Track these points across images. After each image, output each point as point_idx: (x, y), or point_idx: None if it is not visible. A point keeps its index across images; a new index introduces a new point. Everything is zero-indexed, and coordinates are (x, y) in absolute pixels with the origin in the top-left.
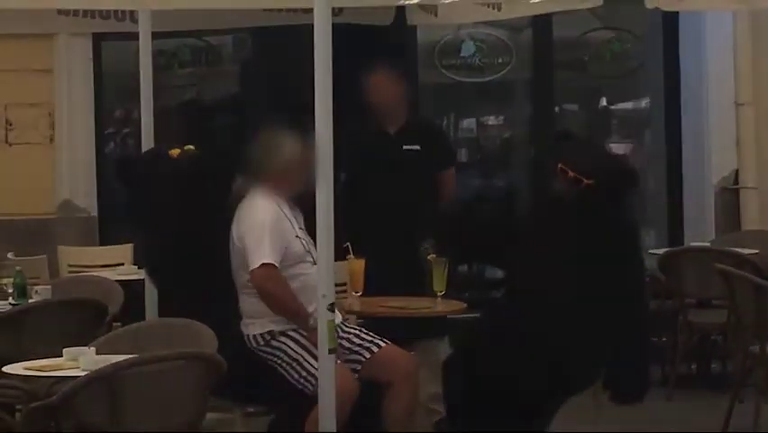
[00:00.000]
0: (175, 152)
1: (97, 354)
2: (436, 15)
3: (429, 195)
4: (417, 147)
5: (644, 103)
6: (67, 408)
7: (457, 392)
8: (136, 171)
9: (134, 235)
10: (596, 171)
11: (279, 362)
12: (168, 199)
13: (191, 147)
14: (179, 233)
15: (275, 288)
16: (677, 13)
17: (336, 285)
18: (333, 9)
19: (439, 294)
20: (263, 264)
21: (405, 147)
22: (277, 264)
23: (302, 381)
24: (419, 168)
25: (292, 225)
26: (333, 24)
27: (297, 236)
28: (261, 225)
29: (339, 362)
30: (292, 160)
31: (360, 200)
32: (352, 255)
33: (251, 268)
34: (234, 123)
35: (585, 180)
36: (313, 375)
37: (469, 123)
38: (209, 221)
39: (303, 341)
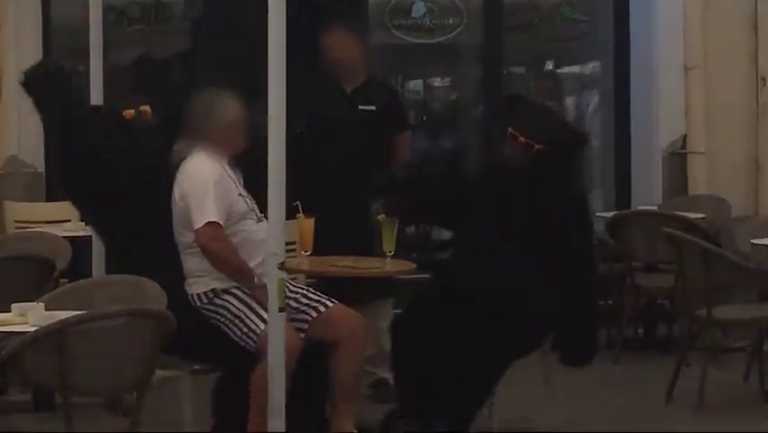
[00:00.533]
0: (129, 112)
1: (45, 310)
2: None
3: (383, 156)
4: (373, 108)
5: (591, 66)
6: (14, 364)
7: (405, 353)
8: (83, 129)
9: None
10: (546, 136)
11: (223, 320)
12: (114, 158)
13: (147, 107)
14: (123, 193)
15: (219, 247)
16: None
17: (285, 244)
18: None
19: (388, 254)
20: (208, 223)
21: (360, 107)
22: (221, 223)
23: (244, 338)
24: (374, 129)
25: (235, 183)
26: None
27: (240, 195)
28: (205, 184)
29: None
30: (232, 120)
31: (312, 158)
32: (301, 214)
33: (195, 227)
34: (183, 81)
35: (536, 145)
36: (254, 332)
37: (416, 84)
38: (154, 181)
39: (245, 298)
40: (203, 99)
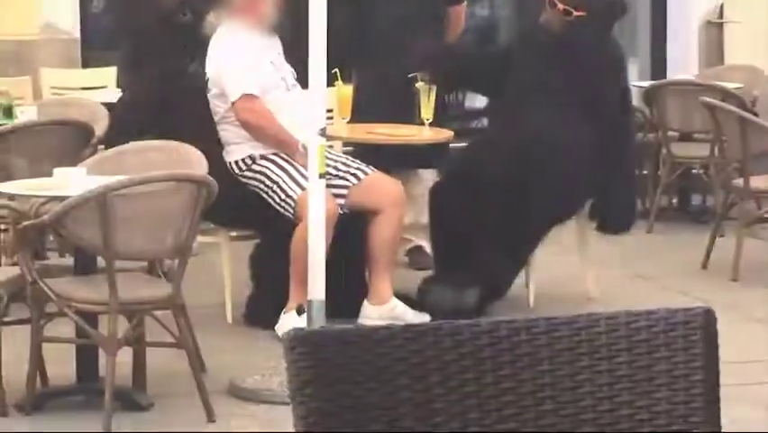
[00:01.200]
0: None
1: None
2: None
3: (434, 27)
4: None
5: None
6: (58, 227)
7: (442, 220)
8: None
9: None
10: (586, 2)
11: (261, 186)
12: (147, 34)
13: None
14: (158, 66)
15: (259, 119)
16: None
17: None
18: None
19: (426, 121)
20: (244, 95)
21: None
22: (257, 93)
23: (283, 204)
24: None
25: (265, 52)
26: None
27: (271, 62)
28: (235, 56)
29: None
30: None
31: (358, 25)
32: (339, 81)
33: (231, 100)
34: None
35: (575, 12)
36: (291, 198)
37: None
38: (188, 54)
39: (283, 164)
40: None
